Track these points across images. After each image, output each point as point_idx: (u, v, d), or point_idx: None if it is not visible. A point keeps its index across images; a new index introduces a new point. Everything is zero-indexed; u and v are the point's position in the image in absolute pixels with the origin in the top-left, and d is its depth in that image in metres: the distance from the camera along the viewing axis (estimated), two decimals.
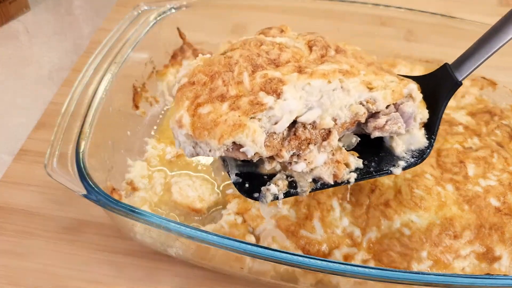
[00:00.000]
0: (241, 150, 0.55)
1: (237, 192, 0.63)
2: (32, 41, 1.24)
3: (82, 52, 1.18)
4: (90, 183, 0.65)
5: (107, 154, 0.81)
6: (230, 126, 0.54)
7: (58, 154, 0.68)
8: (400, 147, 0.66)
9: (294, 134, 0.58)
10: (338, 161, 0.61)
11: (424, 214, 0.71)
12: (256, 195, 0.61)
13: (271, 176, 0.62)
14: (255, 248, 0.59)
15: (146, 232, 0.70)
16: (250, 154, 0.56)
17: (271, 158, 0.59)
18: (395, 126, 0.62)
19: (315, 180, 0.62)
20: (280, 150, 0.57)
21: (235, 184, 0.62)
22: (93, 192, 0.64)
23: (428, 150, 0.65)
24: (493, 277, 0.58)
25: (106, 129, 0.79)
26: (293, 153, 0.58)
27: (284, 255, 0.58)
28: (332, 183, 0.61)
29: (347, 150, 0.64)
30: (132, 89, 0.93)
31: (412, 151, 0.66)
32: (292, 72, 0.58)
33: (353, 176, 0.62)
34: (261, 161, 0.61)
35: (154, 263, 0.79)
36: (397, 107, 0.63)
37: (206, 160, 0.88)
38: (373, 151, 0.66)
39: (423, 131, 0.66)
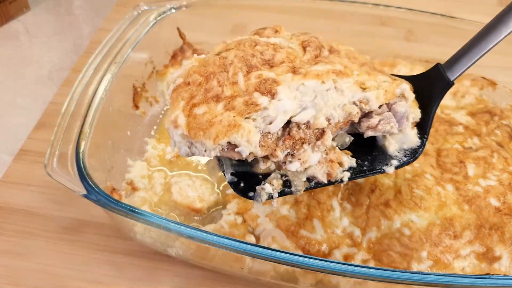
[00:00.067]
0: (236, 150, 0.56)
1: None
2: (32, 41, 1.24)
3: (82, 52, 1.18)
4: (90, 183, 0.65)
5: (107, 154, 0.81)
6: (225, 126, 0.54)
7: (58, 154, 0.68)
8: (393, 146, 0.67)
9: (289, 134, 0.58)
10: (331, 160, 0.62)
11: (424, 214, 0.71)
12: (251, 194, 0.61)
13: (266, 175, 0.62)
14: (255, 248, 0.59)
15: (146, 232, 0.70)
16: (245, 154, 0.56)
17: (266, 157, 0.60)
18: (387, 126, 0.63)
19: (309, 179, 0.63)
20: (275, 149, 0.58)
21: (231, 183, 0.62)
22: (93, 192, 0.64)
23: (420, 149, 0.66)
24: (493, 277, 0.58)
25: (106, 129, 0.79)
26: (288, 152, 0.59)
27: (284, 255, 0.58)
28: (326, 182, 0.62)
29: (341, 149, 0.65)
30: (132, 89, 0.93)
31: (405, 150, 0.67)
32: (286, 72, 0.59)
33: (347, 175, 0.63)
34: (256, 160, 0.61)
35: (154, 263, 0.79)
36: (390, 106, 0.64)
37: (206, 160, 0.88)
38: (366, 150, 0.67)
39: (415, 130, 0.67)
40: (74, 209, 0.85)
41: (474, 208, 0.72)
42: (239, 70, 0.59)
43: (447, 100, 0.96)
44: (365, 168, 0.65)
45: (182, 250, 0.73)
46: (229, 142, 0.55)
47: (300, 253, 0.70)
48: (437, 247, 0.68)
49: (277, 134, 0.58)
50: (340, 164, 0.63)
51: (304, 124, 0.59)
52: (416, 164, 0.77)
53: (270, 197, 0.61)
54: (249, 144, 0.55)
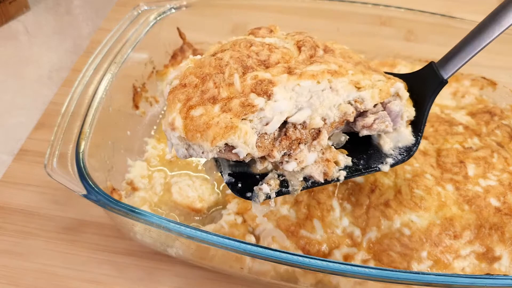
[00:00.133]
0: (234, 151, 0.56)
1: None
2: (32, 41, 1.24)
3: (82, 52, 1.18)
4: (90, 183, 0.65)
5: (107, 154, 0.81)
6: (222, 128, 0.54)
7: (58, 154, 0.68)
8: (387, 144, 0.67)
9: (285, 134, 0.59)
10: (328, 160, 0.63)
11: (424, 214, 0.71)
12: (248, 194, 0.61)
13: (263, 175, 0.63)
14: (255, 248, 0.59)
15: (146, 232, 0.70)
16: (242, 155, 0.57)
17: (263, 158, 0.60)
18: (382, 125, 0.64)
19: (306, 179, 0.63)
20: (272, 150, 0.58)
21: (228, 184, 0.62)
22: (93, 192, 0.64)
23: (415, 147, 0.67)
24: (493, 277, 0.58)
25: (106, 129, 0.79)
26: (284, 153, 0.59)
27: (284, 255, 0.58)
28: (323, 181, 0.63)
29: (336, 148, 0.65)
30: (132, 89, 0.93)
31: (400, 148, 0.68)
32: (282, 73, 0.59)
33: (343, 174, 0.64)
34: (253, 161, 0.61)
35: (154, 263, 0.79)
36: (384, 105, 0.65)
37: (205, 160, 0.88)
38: (362, 148, 0.67)
39: (410, 128, 0.68)
40: (74, 209, 0.85)
41: (474, 208, 0.72)
42: (235, 71, 0.59)
43: (447, 100, 0.96)
44: (360, 166, 0.65)
45: (182, 250, 0.73)
46: (226, 144, 0.56)
47: (300, 253, 0.70)
48: (437, 247, 0.68)
49: (274, 134, 0.58)
50: (336, 163, 0.64)
51: (300, 124, 0.59)
52: (416, 164, 0.77)
53: (268, 197, 0.61)
54: (246, 145, 0.56)
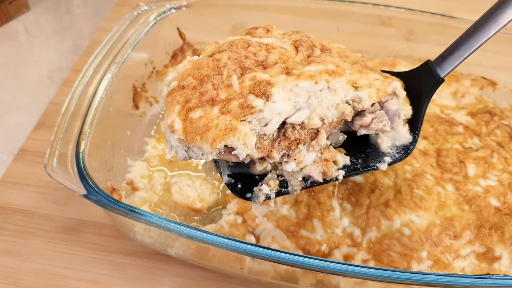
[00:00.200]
0: (233, 153, 0.56)
1: None
2: (31, 41, 1.24)
3: (82, 52, 1.18)
4: (90, 183, 0.65)
5: (107, 154, 0.81)
6: (222, 130, 0.55)
7: (58, 154, 0.68)
8: (385, 143, 0.67)
9: (284, 135, 0.59)
10: (326, 159, 0.63)
11: (424, 214, 0.71)
12: (248, 195, 0.61)
13: (263, 176, 0.63)
14: (255, 248, 0.59)
15: (146, 232, 0.70)
16: (242, 157, 0.57)
17: (262, 159, 0.60)
18: (380, 124, 0.64)
19: (305, 179, 0.63)
20: (271, 151, 0.58)
21: (228, 185, 0.62)
22: (93, 192, 0.64)
23: (412, 146, 0.67)
24: (493, 277, 0.58)
25: (106, 129, 0.79)
26: (283, 153, 0.60)
27: (284, 255, 0.58)
28: (322, 181, 0.63)
29: (335, 148, 0.65)
30: (132, 89, 0.93)
31: (397, 146, 0.68)
32: (280, 74, 0.59)
33: (341, 173, 0.64)
34: (252, 161, 0.62)
35: (154, 263, 0.79)
36: (382, 105, 0.65)
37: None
38: (360, 147, 0.67)
39: (407, 127, 0.68)
40: (74, 209, 0.85)
41: (474, 208, 0.72)
42: (233, 73, 0.59)
43: (447, 100, 0.96)
44: (359, 165, 0.66)
45: (182, 250, 0.73)
46: (226, 146, 0.56)
47: (300, 253, 0.70)
48: (437, 247, 0.68)
49: (273, 135, 0.59)
50: (335, 162, 0.64)
51: (299, 125, 0.59)
52: (416, 164, 0.77)
53: (268, 197, 0.61)
54: (245, 147, 0.56)
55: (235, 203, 0.77)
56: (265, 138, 0.58)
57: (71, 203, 0.86)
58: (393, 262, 0.68)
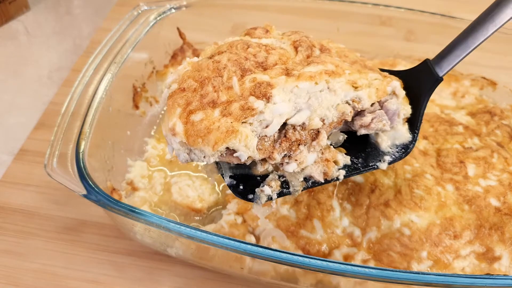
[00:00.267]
0: (235, 155, 0.57)
1: None
2: (31, 41, 1.24)
3: (82, 52, 1.18)
4: (90, 183, 0.65)
5: (107, 154, 0.81)
6: (223, 132, 0.55)
7: (58, 154, 0.68)
8: (385, 142, 0.68)
9: (285, 136, 0.59)
10: (327, 160, 0.63)
11: (424, 214, 0.71)
12: (250, 196, 0.62)
13: (264, 176, 0.63)
14: (255, 248, 0.59)
15: (146, 232, 0.70)
16: (243, 159, 0.57)
17: (264, 160, 0.60)
18: (380, 124, 0.64)
19: (306, 179, 0.63)
20: (272, 152, 0.59)
21: (230, 186, 0.62)
22: (93, 192, 0.64)
23: (412, 145, 0.67)
24: (493, 277, 0.58)
25: (106, 129, 0.79)
26: (284, 154, 0.60)
27: (284, 255, 0.58)
28: (323, 181, 0.63)
29: (335, 147, 0.66)
30: (132, 89, 0.93)
31: (397, 145, 0.68)
32: (280, 75, 0.59)
33: (342, 173, 0.64)
34: (253, 163, 0.62)
35: (154, 263, 0.79)
36: (381, 104, 0.65)
37: None
38: (360, 147, 0.68)
39: (406, 126, 0.68)
40: (74, 209, 0.85)
41: (474, 208, 0.72)
42: (233, 74, 0.59)
43: (447, 100, 0.96)
44: (359, 165, 0.66)
45: (182, 250, 0.73)
46: (227, 148, 0.56)
47: (300, 253, 0.70)
48: (437, 247, 0.68)
49: (274, 136, 0.59)
50: (336, 162, 0.64)
51: (299, 125, 0.59)
52: (416, 164, 0.77)
53: (269, 198, 0.61)
54: (247, 148, 0.56)
55: (235, 203, 0.77)
56: (266, 140, 0.58)
57: (71, 203, 0.86)
58: (393, 262, 0.68)
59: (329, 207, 0.73)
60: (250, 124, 0.56)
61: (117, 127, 0.87)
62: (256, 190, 0.61)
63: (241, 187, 0.62)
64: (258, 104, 0.56)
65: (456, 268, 0.68)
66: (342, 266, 0.57)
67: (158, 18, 0.92)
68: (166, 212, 0.82)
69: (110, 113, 0.80)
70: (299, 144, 0.59)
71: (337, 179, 0.64)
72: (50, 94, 1.07)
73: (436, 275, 0.58)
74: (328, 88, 0.60)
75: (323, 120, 0.60)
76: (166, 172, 0.87)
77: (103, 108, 0.77)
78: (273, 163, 0.60)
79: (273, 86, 0.57)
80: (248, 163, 0.60)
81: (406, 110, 0.67)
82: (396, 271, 0.58)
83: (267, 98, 0.57)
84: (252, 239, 0.73)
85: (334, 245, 0.71)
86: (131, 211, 0.62)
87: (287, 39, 0.67)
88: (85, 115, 0.74)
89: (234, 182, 0.62)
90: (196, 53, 1.02)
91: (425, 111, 0.68)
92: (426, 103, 0.67)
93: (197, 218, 0.82)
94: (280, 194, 0.62)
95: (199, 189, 0.84)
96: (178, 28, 1.00)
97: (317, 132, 0.61)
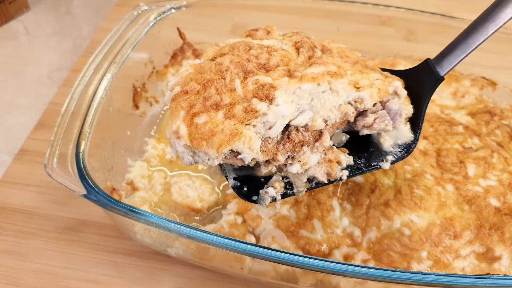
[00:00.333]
0: (239, 157, 0.57)
1: None
2: (31, 41, 1.24)
3: (82, 52, 1.18)
4: (90, 183, 0.65)
5: (107, 154, 0.81)
6: (227, 135, 0.55)
7: (58, 154, 0.68)
8: (387, 142, 0.68)
9: (288, 137, 0.59)
10: (330, 160, 0.63)
11: (424, 214, 0.71)
12: (254, 198, 0.62)
13: (268, 178, 0.63)
14: (255, 248, 0.59)
15: (146, 232, 0.70)
16: (247, 161, 0.57)
17: (267, 161, 0.61)
18: (382, 124, 0.64)
19: (310, 180, 0.63)
20: (276, 154, 0.59)
21: (234, 188, 0.62)
22: (93, 192, 0.64)
23: (414, 144, 0.68)
24: (493, 277, 0.58)
25: (106, 129, 0.79)
26: (288, 155, 0.60)
27: (284, 255, 0.58)
28: (326, 181, 0.63)
29: (337, 148, 0.66)
30: (132, 89, 0.93)
31: (399, 145, 0.68)
32: (282, 76, 0.59)
33: (345, 173, 0.64)
34: (257, 164, 0.62)
35: (154, 263, 0.79)
36: (383, 104, 0.65)
37: None
38: (362, 147, 0.68)
39: (408, 125, 0.69)
40: (74, 209, 0.85)
41: (474, 208, 0.72)
42: (235, 76, 0.59)
43: (447, 100, 0.96)
44: (362, 165, 0.66)
45: (182, 250, 0.73)
46: (231, 150, 0.56)
47: (300, 253, 0.70)
48: (437, 247, 0.68)
49: (277, 138, 0.59)
50: (339, 163, 0.64)
51: (302, 127, 0.60)
52: (416, 164, 0.77)
53: (274, 199, 0.62)
54: (251, 150, 0.56)
55: (235, 203, 0.77)
56: (269, 141, 0.58)
57: (71, 203, 0.86)
58: (393, 262, 0.68)
59: (329, 207, 0.73)
60: (254, 126, 0.56)
61: (117, 127, 0.87)
62: (260, 191, 0.62)
63: (245, 189, 0.62)
64: (261, 106, 0.56)
65: (456, 268, 0.68)
66: (342, 266, 0.57)
67: (158, 18, 0.92)
68: (166, 212, 0.82)
69: (110, 113, 0.80)
70: (302, 145, 0.60)
71: (341, 179, 0.64)
72: (50, 94, 1.07)
73: (436, 275, 0.58)
74: (330, 89, 0.60)
75: (325, 121, 0.61)
76: (166, 172, 0.87)
77: (103, 108, 0.77)
78: (276, 164, 0.60)
79: (276, 88, 0.58)
80: (252, 164, 0.60)
81: (408, 110, 0.67)
82: (396, 271, 0.58)
83: (270, 100, 0.57)
84: (252, 239, 0.73)
85: (334, 245, 0.71)
86: (131, 211, 0.62)
87: (289, 40, 0.67)
88: (85, 115, 0.74)
89: (238, 184, 0.63)
90: (196, 53, 1.02)
91: (426, 110, 0.68)
92: (428, 102, 0.67)
93: (197, 218, 0.82)
94: (284, 195, 0.62)
95: (199, 189, 0.84)
96: (178, 28, 1.00)
97: (320, 133, 0.61)
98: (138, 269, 0.78)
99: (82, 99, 0.75)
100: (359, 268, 0.57)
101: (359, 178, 0.75)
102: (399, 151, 0.68)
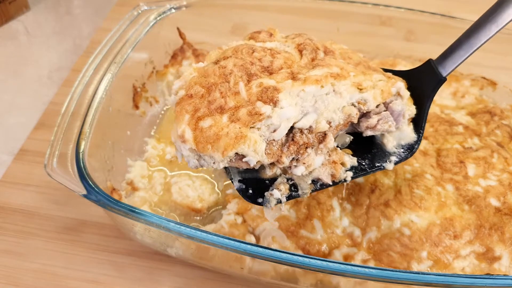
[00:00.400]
0: (244, 160, 0.57)
1: (237, 192, 0.64)
2: (31, 41, 1.24)
3: (82, 52, 1.18)
4: (90, 183, 0.65)
5: (107, 154, 0.81)
6: (232, 138, 0.55)
7: (58, 154, 0.68)
8: (391, 143, 0.68)
9: (292, 139, 0.59)
10: (334, 162, 0.63)
11: (424, 214, 0.71)
12: (260, 200, 0.62)
13: (273, 180, 0.63)
14: (255, 248, 0.59)
15: (146, 232, 0.70)
16: (252, 163, 0.57)
17: (272, 164, 0.61)
18: (386, 125, 0.65)
19: (314, 181, 0.64)
20: (280, 156, 0.59)
21: (239, 190, 0.63)
22: (93, 192, 0.64)
23: (417, 145, 0.68)
24: (493, 277, 0.58)
25: (106, 129, 0.79)
26: (292, 157, 0.60)
27: (284, 255, 0.58)
28: (331, 183, 0.63)
29: (341, 149, 0.66)
30: (132, 89, 0.93)
31: (402, 146, 0.69)
32: (286, 79, 0.60)
33: (350, 174, 0.64)
34: (262, 167, 0.62)
35: (154, 263, 0.79)
36: (386, 105, 0.65)
37: None
38: (366, 148, 0.68)
39: (411, 126, 0.69)
40: (74, 209, 0.85)
41: (474, 208, 0.72)
42: (239, 79, 0.59)
43: (447, 100, 0.96)
44: (365, 166, 0.66)
45: (182, 250, 0.73)
46: (236, 153, 0.56)
47: (300, 253, 0.70)
48: (437, 247, 0.68)
49: (282, 140, 0.59)
50: (343, 164, 0.65)
51: (306, 129, 0.60)
52: (416, 164, 0.77)
53: (279, 201, 0.62)
54: (256, 153, 0.56)
55: (235, 203, 0.77)
56: (274, 144, 0.58)
57: (71, 203, 0.86)
58: (393, 262, 0.68)
59: (329, 207, 0.73)
60: (258, 129, 0.57)
61: (117, 127, 0.87)
62: (266, 193, 0.62)
63: (250, 191, 0.62)
64: (266, 109, 0.56)
65: (456, 268, 0.68)
66: (342, 266, 0.57)
67: (158, 18, 0.92)
68: (166, 212, 0.82)
69: (110, 113, 0.80)
70: (306, 147, 0.60)
71: (345, 180, 0.64)
72: (50, 94, 1.07)
73: (436, 275, 0.58)
74: (334, 91, 0.61)
75: (329, 123, 0.61)
76: (166, 172, 0.87)
77: (103, 108, 0.77)
78: (281, 166, 0.60)
79: (280, 91, 0.58)
80: (257, 167, 0.60)
81: (411, 110, 0.67)
82: (396, 271, 0.58)
83: (274, 102, 0.57)
84: (252, 239, 0.73)
85: (334, 245, 0.71)
86: (131, 211, 0.62)
87: (291, 42, 0.67)
88: (85, 115, 0.74)
89: (243, 187, 0.63)
90: (196, 53, 1.02)
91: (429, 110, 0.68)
92: (430, 103, 0.67)
93: (197, 218, 0.82)
94: (289, 197, 0.62)
95: (199, 189, 0.84)
96: (178, 28, 1.00)
97: (324, 135, 0.61)
98: (138, 269, 0.78)
99: (82, 99, 0.75)
100: (359, 268, 0.57)
101: (359, 178, 0.75)
102: (403, 152, 0.68)
